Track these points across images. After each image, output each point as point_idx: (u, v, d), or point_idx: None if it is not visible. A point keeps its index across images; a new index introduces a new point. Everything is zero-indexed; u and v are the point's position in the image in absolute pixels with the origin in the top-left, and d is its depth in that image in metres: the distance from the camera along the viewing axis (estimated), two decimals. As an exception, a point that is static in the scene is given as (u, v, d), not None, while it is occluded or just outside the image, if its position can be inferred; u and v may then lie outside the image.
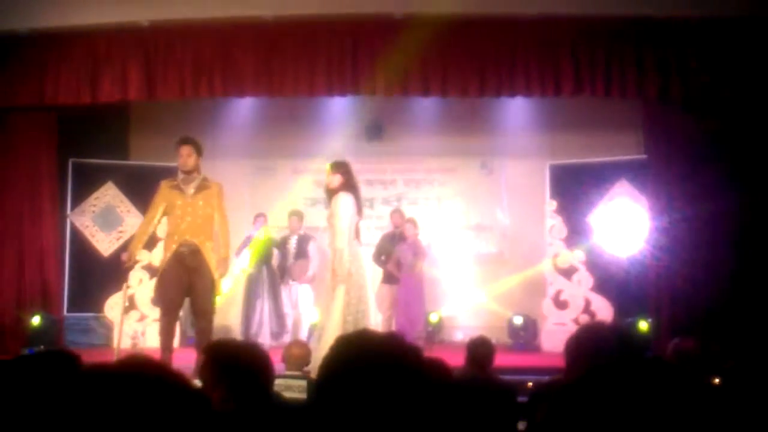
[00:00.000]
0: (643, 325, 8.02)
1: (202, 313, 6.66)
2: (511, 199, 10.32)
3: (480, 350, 4.85)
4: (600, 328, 2.77)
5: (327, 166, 6.83)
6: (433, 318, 9.54)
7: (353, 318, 6.40)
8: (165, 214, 6.79)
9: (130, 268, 7.64)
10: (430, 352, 3.96)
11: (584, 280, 9.02)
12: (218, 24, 8.01)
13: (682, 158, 7.95)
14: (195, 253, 6.58)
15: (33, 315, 8.44)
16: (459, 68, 7.91)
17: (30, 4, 8.03)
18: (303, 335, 8.12)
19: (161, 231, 9.44)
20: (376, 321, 9.49)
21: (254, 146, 10.38)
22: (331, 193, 6.70)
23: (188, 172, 6.76)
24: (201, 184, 6.77)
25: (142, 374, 1.45)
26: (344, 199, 6.57)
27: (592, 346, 2.38)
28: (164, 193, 6.76)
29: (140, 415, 1.33)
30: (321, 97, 8.94)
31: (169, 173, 9.75)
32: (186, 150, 6.75)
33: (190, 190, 6.72)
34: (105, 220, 9.59)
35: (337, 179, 6.65)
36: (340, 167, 6.74)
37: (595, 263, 8.98)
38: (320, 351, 5.63)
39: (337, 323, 6.37)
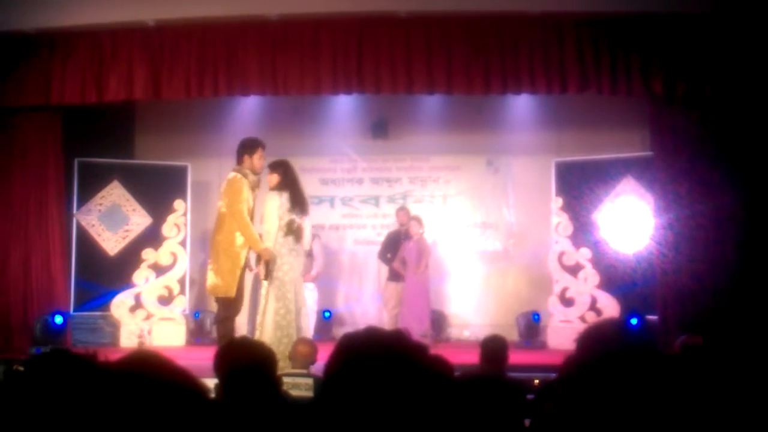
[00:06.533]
0: (634, 321, 7.95)
1: None
2: (517, 196, 10.31)
3: (492, 346, 4.90)
4: (610, 325, 2.76)
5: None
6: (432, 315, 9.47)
7: (284, 312, 6.61)
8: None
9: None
10: (437, 350, 3.96)
11: (590, 277, 8.99)
12: (223, 23, 8.02)
13: (688, 155, 7.93)
14: None
15: (53, 314, 8.47)
16: (464, 65, 7.89)
17: (36, 4, 8.04)
18: (309, 333, 8.10)
19: (169, 230, 9.53)
20: (380, 319, 9.56)
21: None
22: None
23: (258, 174, 6.90)
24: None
25: (145, 371, 1.47)
26: (270, 200, 6.66)
27: (602, 343, 2.37)
28: (246, 191, 6.77)
29: (140, 411, 1.35)
30: (326, 95, 8.94)
31: (175, 172, 9.82)
32: (262, 153, 6.87)
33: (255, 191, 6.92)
34: (111, 218, 9.61)
35: (274, 179, 6.73)
36: (278, 167, 6.79)
37: (601, 260, 8.97)
38: None
39: (270, 321, 6.61)
